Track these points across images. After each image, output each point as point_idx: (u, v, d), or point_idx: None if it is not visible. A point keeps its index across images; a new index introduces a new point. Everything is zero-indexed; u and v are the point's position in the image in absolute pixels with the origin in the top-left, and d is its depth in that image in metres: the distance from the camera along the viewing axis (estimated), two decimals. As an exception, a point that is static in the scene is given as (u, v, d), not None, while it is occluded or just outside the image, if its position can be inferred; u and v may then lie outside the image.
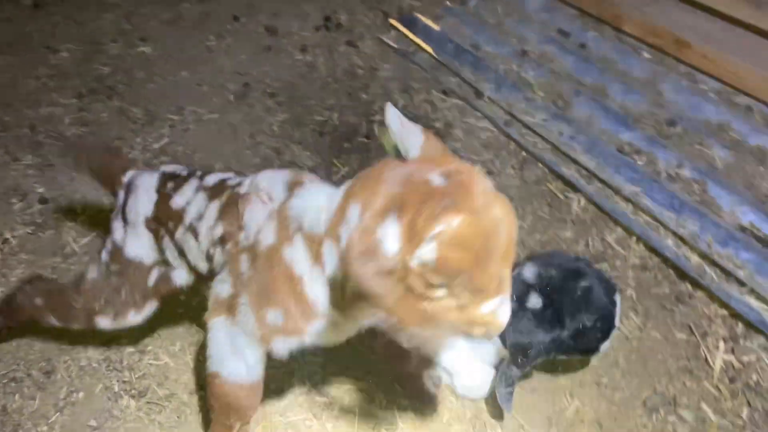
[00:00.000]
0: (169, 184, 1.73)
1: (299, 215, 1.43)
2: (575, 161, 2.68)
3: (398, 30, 3.42)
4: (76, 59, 3.27)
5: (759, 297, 2.18)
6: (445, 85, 3.06)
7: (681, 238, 2.37)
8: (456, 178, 1.21)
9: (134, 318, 1.83)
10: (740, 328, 2.15)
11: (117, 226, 1.81)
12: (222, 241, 1.55)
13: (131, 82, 3.14)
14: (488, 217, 1.18)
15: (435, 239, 1.16)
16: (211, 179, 1.70)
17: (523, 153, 2.75)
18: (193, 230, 1.63)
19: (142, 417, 1.97)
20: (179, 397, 2.02)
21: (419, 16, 3.46)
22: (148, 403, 2.00)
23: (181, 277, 1.77)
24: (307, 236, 1.40)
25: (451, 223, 1.16)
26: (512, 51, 3.24)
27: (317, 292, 1.40)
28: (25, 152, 2.74)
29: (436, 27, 3.38)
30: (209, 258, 1.61)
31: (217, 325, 1.55)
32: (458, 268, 1.18)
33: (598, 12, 3.39)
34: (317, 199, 1.41)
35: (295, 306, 1.42)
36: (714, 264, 2.28)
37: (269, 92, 3.08)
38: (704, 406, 1.97)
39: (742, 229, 2.39)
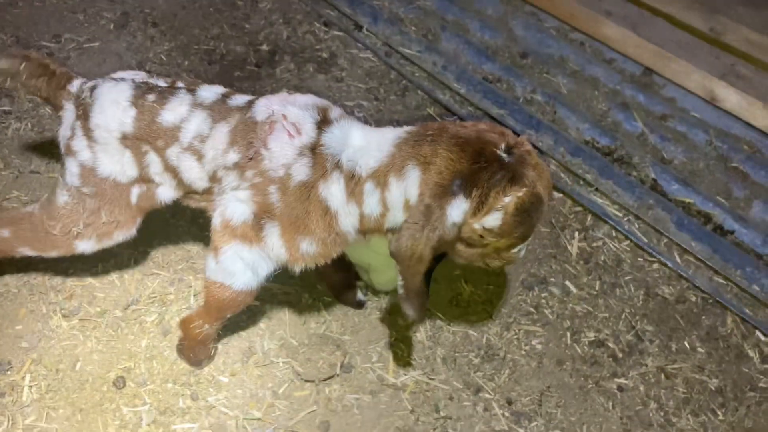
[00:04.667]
0: (149, 96, 1.59)
1: (335, 153, 1.54)
2: (449, 88, 3.02)
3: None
4: None
5: (602, 194, 2.69)
6: (325, 17, 3.22)
7: (540, 150, 2.82)
8: (517, 152, 1.44)
9: (121, 237, 1.76)
10: (589, 220, 2.65)
11: (79, 145, 1.64)
12: (238, 167, 1.56)
13: (-10, 6, 2.93)
14: (542, 186, 1.45)
15: (501, 209, 1.43)
16: (206, 94, 1.62)
17: (404, 81, 3.03)
18: (195, 152, 1.60)
19: (77, 334, 2.01)
20: (112, 312, 2.08)
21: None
22: (81, 320, 2.04)
23: (166, 193, 1.72)
24: (346, 174, 1.53)
25: (516, 195, 1.41)
26: (382, -13, 3.46)
27: (349, 223, 1.59)
28: None
29: (307, -38, 3.49)
30: (213, 179, 1.62)
31: (231, 250, 1.63)
32: (516, 230, 1.46)
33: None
34: (354, 138, 1.55)
35: (328, 236, 1.59)
36: (567, 170, 2.77)
37: (150, 21, 3.03)
38: (567, 282, 2.44)
39: (586, 142, 2.89)
